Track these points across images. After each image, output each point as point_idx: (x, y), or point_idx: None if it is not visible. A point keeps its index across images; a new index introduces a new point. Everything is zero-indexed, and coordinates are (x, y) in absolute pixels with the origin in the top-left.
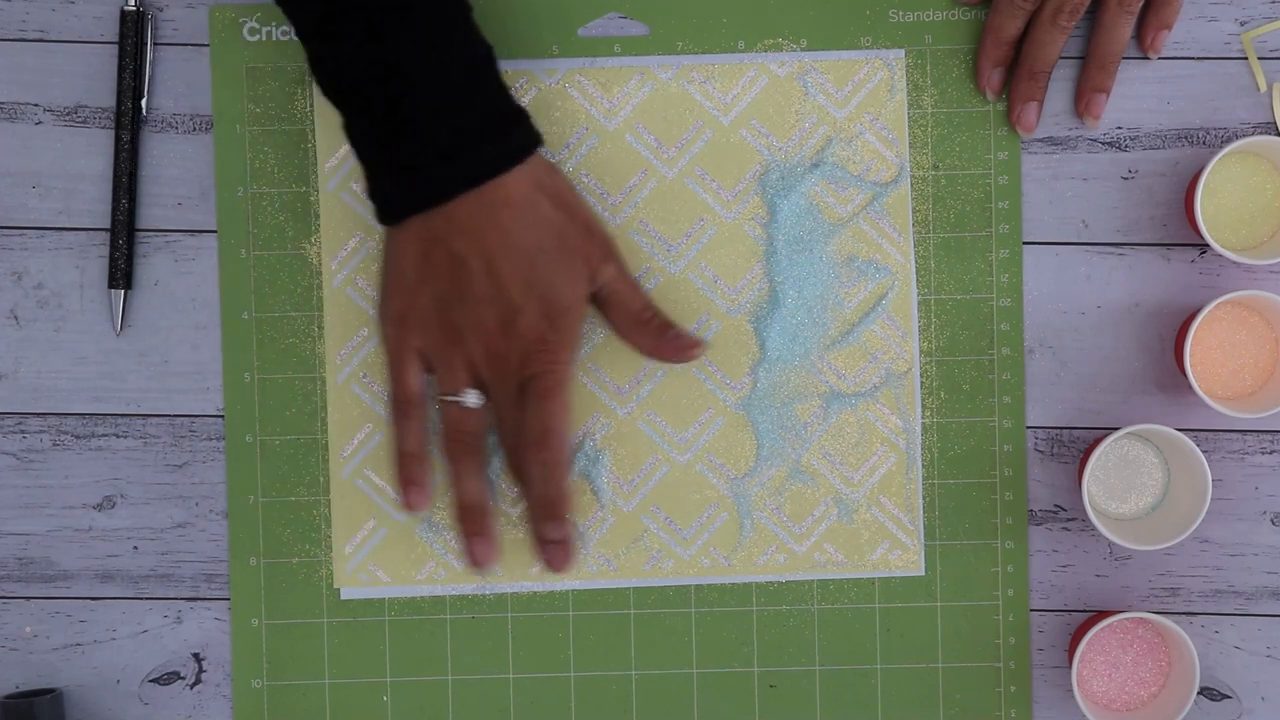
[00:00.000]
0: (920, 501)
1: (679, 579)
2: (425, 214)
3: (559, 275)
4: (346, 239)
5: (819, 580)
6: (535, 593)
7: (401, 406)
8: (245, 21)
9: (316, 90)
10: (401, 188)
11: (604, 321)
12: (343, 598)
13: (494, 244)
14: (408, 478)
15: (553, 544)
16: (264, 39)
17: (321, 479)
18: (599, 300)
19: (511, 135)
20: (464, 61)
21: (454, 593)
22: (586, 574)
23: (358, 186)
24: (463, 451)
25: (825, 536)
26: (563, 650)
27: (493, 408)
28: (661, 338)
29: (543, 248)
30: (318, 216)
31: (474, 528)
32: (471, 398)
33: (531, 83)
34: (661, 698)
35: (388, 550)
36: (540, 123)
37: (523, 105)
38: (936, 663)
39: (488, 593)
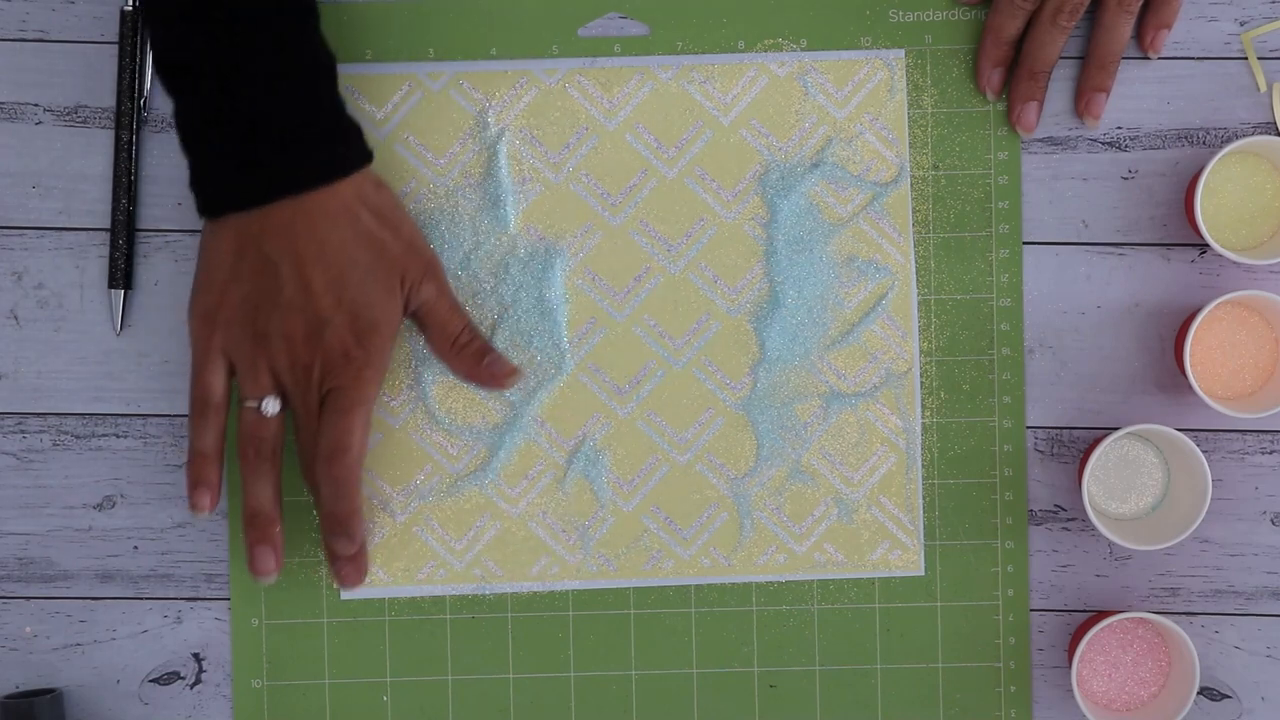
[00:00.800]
0: (920, 501)
1: (679, 579)
2: (244, 213)
3: (371, 290)
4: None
5: (819, 580)
6: (535, 593)
7: (199, 406)
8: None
9: None
10: (223, 183)
11: (425, 342)
12: (343, 598)
13: (307, 252)
14: (196, 478)
15: (342, 559)
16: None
17: None
18: (418, 320)
19: (340, 147)
20: (305, 68)
21: (454, 593)
22: (586, 574)
23: None
24: (256, 457)
25: (825, 536)
26: (563, 650)
27: (293, 416)
28: (478, 363)
29: (356, 261)
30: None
31: (257, 535)
32: (270, 405)
33: (531, 83)
34: (661, 698)
35: (388, 550)
36: (540, 124)
37: (357, 122)
38: (936, 663)
39: (488, 593)
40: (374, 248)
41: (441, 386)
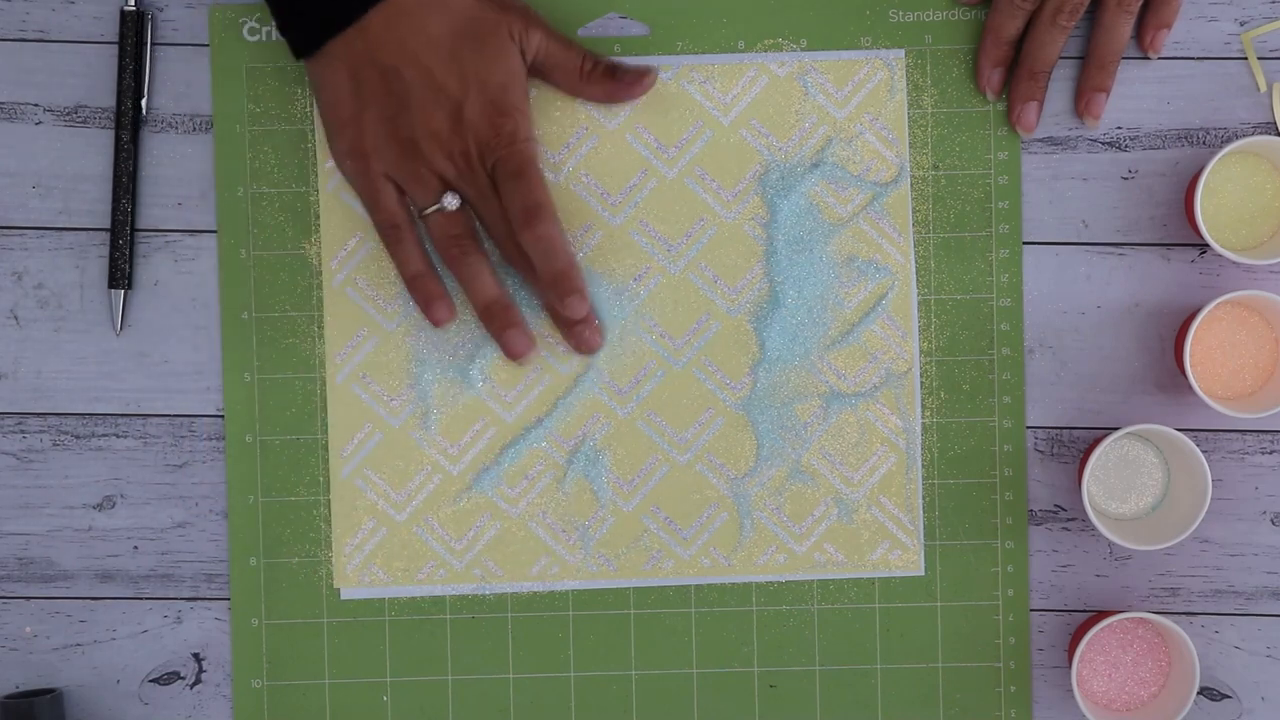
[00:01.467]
0: (920, 501)
1: (679, 579)
2: (342, 37)
3: (487, 56)
4: (346, 239)
5: (819, 580)
6: (535, 593)
7: (390, 232)
8: (245, 21)
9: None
10: (311, 13)
11: (552, 87)
12: (343, 598)
13: (417, 46)
14: (425, 296)
15: (578, 324)
16: (264, 39)
17: (321, 479)
18: (539, 69)
19: None
20: None
21: (454, 593)
22: (586, 574)
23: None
24: (462, 255)
25: (825, 536)
26: (563, 650)
27: (473, 207)
28: (613, 81)
29: (463, 36)
30: (317, 216)
31: (501, 323)
32: (450, 200)
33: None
34: (661, 698)
35: (388, 550)
36: (540, 124)
37: None
38: (936, 663)
39: (488, 593)
40: (473, 18)
41: (442, 384)
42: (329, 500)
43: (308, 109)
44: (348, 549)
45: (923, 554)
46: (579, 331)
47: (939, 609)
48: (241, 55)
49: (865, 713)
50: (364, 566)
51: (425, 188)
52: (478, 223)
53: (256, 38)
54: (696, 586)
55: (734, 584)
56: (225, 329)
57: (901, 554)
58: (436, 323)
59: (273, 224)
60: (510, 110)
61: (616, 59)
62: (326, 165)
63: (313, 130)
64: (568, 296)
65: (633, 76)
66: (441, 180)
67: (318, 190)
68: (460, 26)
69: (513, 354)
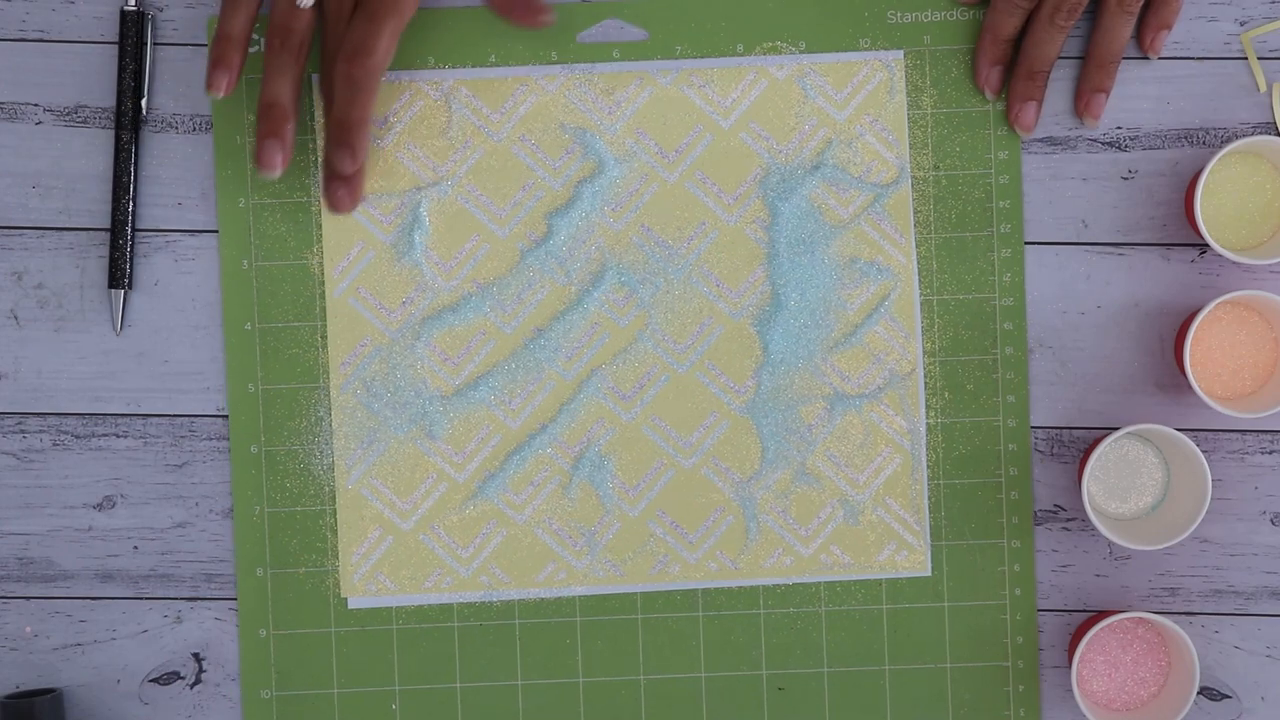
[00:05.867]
0: (926, 502)
1: (686, 583)
2: None
3: None
4: (348, 248)
5: (826, 582)
6: (542, 599)
7: None
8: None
9: (316, 98)
10: None
11: None
12: (350, 607)
13: None
14: (217, 58)
15: (337, 180)
16: (262, 49)
17: (327, 489)
18: None
19: None
20: None
21: (461, 600)
22: (593, 579)
23: None
24: (282, 49)
25: (831, 538)
26: (571, 656)
27: (324, 15)
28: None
29: None
30: (319, 226)
31: (269, 128)
32: None
33: (531, 89)
34: (670, 702)
35: (394, 559)
36: (539, 131)
37: None
38: (944, 663)
39: (495, 600)
40: None
41: (446, 393)
42: (335, 510)
43: (308, 118)
44: (354, 558)
45: (929, 554)
46: (335, 188)
47: (946, 609)
48: (246, 98)
49: (874, 714)
50: (371, 576)
51: None
52: (317, 37)
53: (255, 49)
54: (704, 590)
55: (741, 587)
56: (229, 340)
57: (908, 555)
58: (211, 88)
59: (274, 234)
60: None
61: None
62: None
63: (313, 141)
64: (340, 147)
65: (533, 4)
66: None
67: (319, 200)
68: None
69: (261, 162)
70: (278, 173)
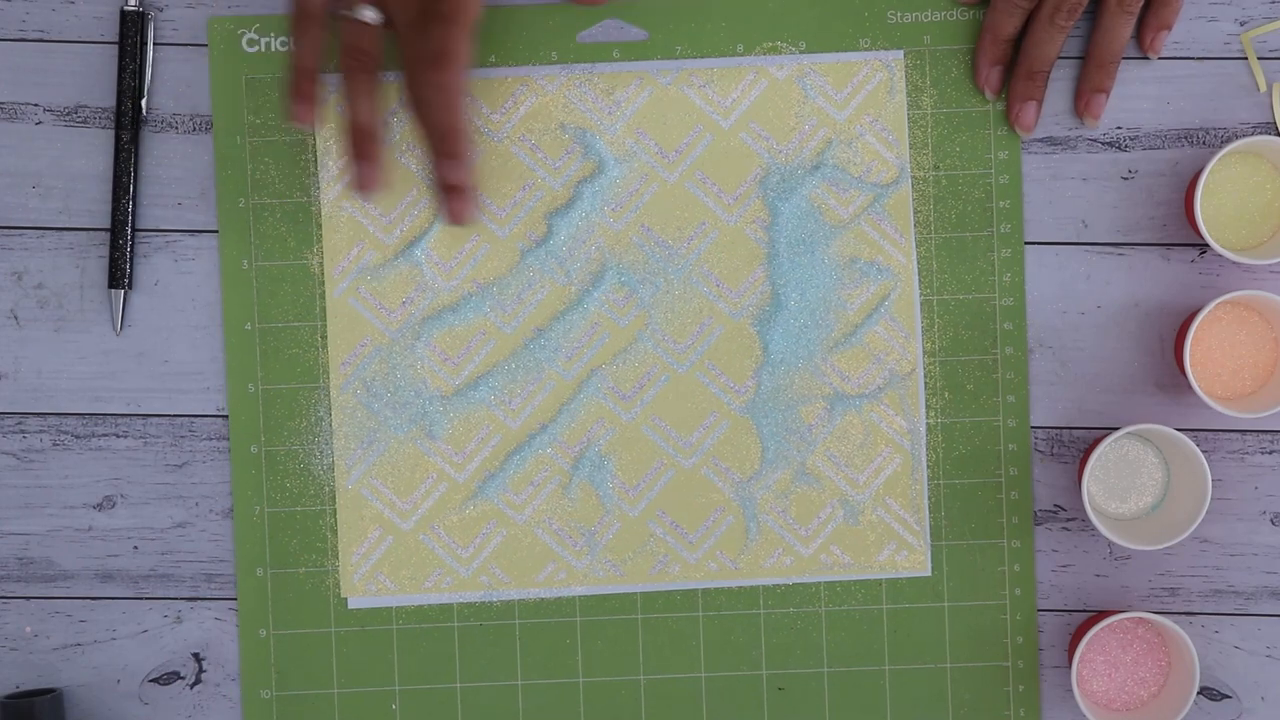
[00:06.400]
0: (926, 502)
1: (686, 583)
2: None
3: None
4: (348, 248)
5: (826, 582)
6: (542, 599)
7: (301, 19)
8: (244, 33)
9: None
10: None
11: None
12: (350, 607)
13: None
14: (297, 91)
15: (453, 190)
16: (262, 49)
17: (327, 489)
18: None
19: None
20: None
21: (461, 600)
22: (594, 579)
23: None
24: (358, 69)
25: (832, 538)
26: (571, 656)
27: (395, 32)
28: None
29: None
30: (319, 226)
31: (363, 151)
32: (369, 13)
33: (531, 89)
34: (670, 702)
35: (394, 559)
36: (539, 131)
37: None
38: (944, 663)
39: (495, 600)
40: None
41: (446, 393)
42: (335, 510)
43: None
44: (354, 558)
45: (929, 554)
46: (452, 199)
47: (946, 609)
48: (241, 66)
49: (874, 714)
50: (371, 575)
51: None
52: (389, 52)
53: (255, 49)
54: (704, 590)
55: (741, 587)
56: (229, 340)
57: (908, 555)
58: (296, 120)
59: (274, 234)
60: None
61: None
62: (328, 174)
63: (313, 140)
64: (448, 158)
65: None
66: None
67: (319, 200)
68: None
69: (360, 185)
70: (378, 193)
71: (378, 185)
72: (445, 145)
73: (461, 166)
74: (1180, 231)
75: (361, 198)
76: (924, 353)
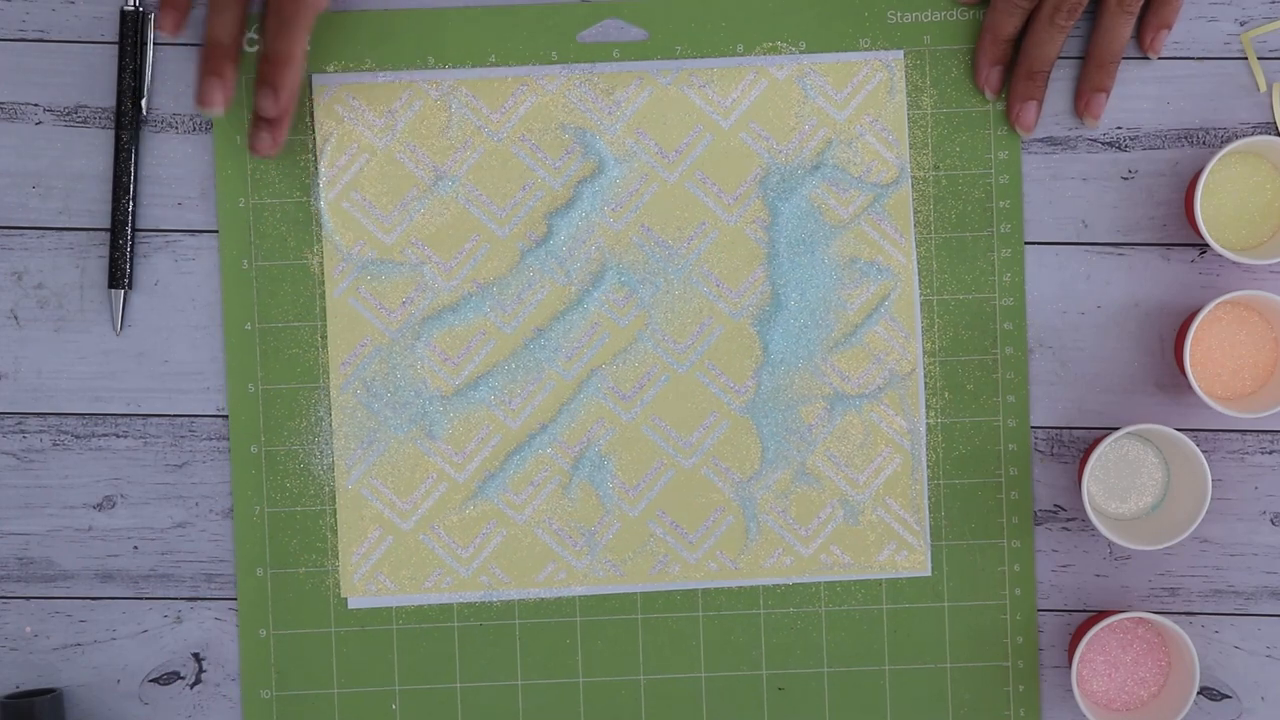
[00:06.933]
0: (926, 502)
1: (686, 583)
2: None
3: None
4: (348, 248)
5: (826, 582)
6: (542, 599)
7: None
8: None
9: (317, 99)
10: None
11: None
12: (350, 607)
13: None
14: (208, 69)
15: (262, 123)
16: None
17: (327, 489)
18: None
19: None
20: None
21: (461, 600)
22: (594, 579)
23: (359, 195)
24: None
25: (832, 538)
26: (571, 656)
27: None
28: None
29: None
30: (319, 226)
31: (211, 66)
32: None
33: (531, 89)
34: (670, 702)
35: (394, 559)
36: (539, 131)
37: None
38: (944, 663)
39: (495, 600)
40: None
41: (446, 392)
42: (335, 510)
43: (308, 119)
44: (354, 558)
45: (929, 554)
46: (256, 130)
47: (946, 609)
48: (240, 66)
49: (874, 714)
50: (371, 576)
51: None
52: None
53: (255, 48)
54: (704, 590)
55: (741, 587)
56: (229, 340)
57: (908, 555)
58: (203, 104)
59: (274, 234)
60: None
61: None
62: (328, 174)
63: (313, 140)
64: (264, 85)
65: None
66: None
67: (319, 200)
68: None
69: (201, 100)
70: (219, 111)
71: (222, 104)
72: (269, 72)
73: (277, 100)
74: (1180, 231)
75: (204, 113)
76: (924, 353)
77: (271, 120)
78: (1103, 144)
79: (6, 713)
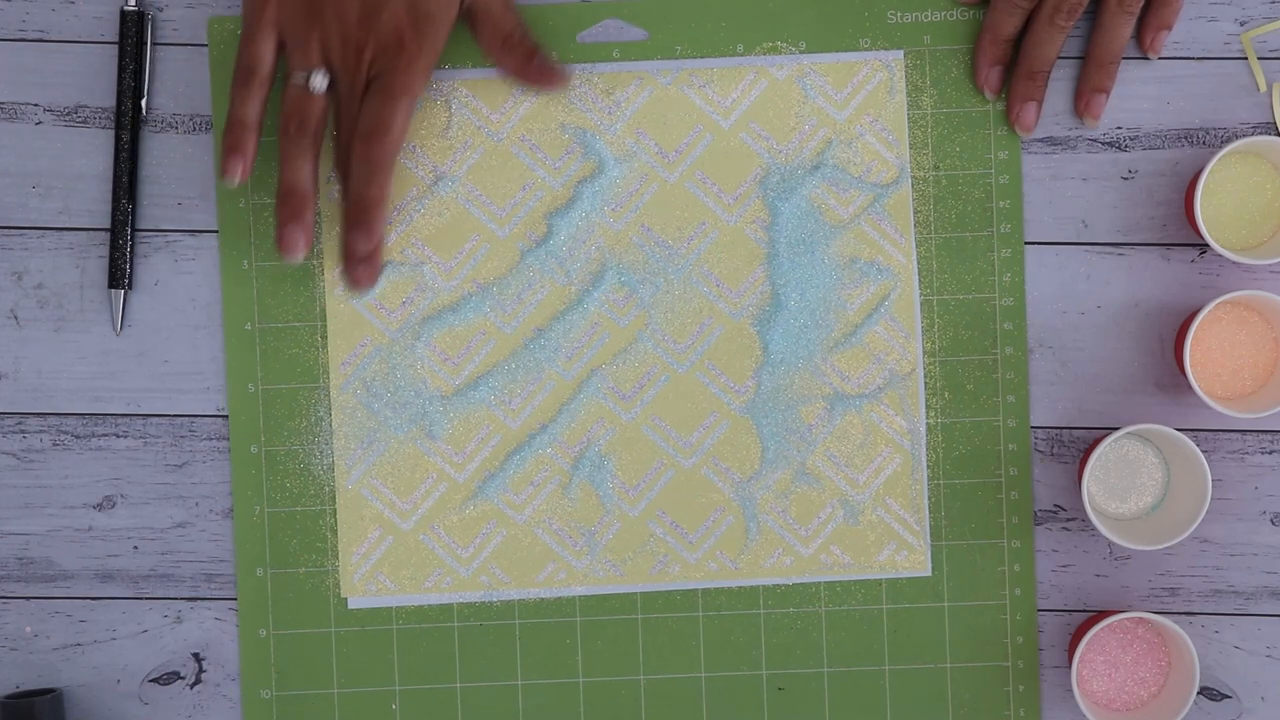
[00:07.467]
0: (926, 502)
1: (686, 583)
2: None
3: None
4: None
5: (826, 582)
6: (542, 599)
7: (244, 75)
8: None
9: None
10: None
11: (473, 38)
12: (350, 607)
13: None
14: (232, 145)
15: (355, 259)
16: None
17: (327, 489)
18: (471, 16)
19: None
20: None
21: (461, 600)
22: (594, 579)
23: None
24: (299, 134)
25: (832, 538)
26: (571, 656)
27: (336, 98)
28: (528, 62)
29: None
30: (319, 226)
31: (290, 213)
32: (318, 80)
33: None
34: (670, 702)
35: (394, 559)
36: (539, 131)
37: None
38: (944, 663)
39: (495, 600)
40: None
41: (446, 392)
42: (335, 510)
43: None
44: (354, 558)
45: (929, 554)
46: (353, 266)
47: (946, 609)
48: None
49: (874, 714)
50: (371, 576)
51: (305, 56)
52: (331, 120)
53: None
54: (704, 590)
55: (741, 587)
56: (229, 340)
57: (908, 555)
58: (226, 174)
59: (274, 235)
60: (423, 37)
61: (540, 47)
62: (329, 174)
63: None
64: (357, 227)
65: (549, 66)
66: (324, 60)
67: (319, 200)
68: None
69: (284, 248)
70: (299, 257)
71: (303, 249)
72: (360, 214)
73: (370, 238)
74: (1180, 231)
75: (285, 260)
76: (924, 353)
77: (368, 255)
78: (1103, 144)
79: (6, 713)
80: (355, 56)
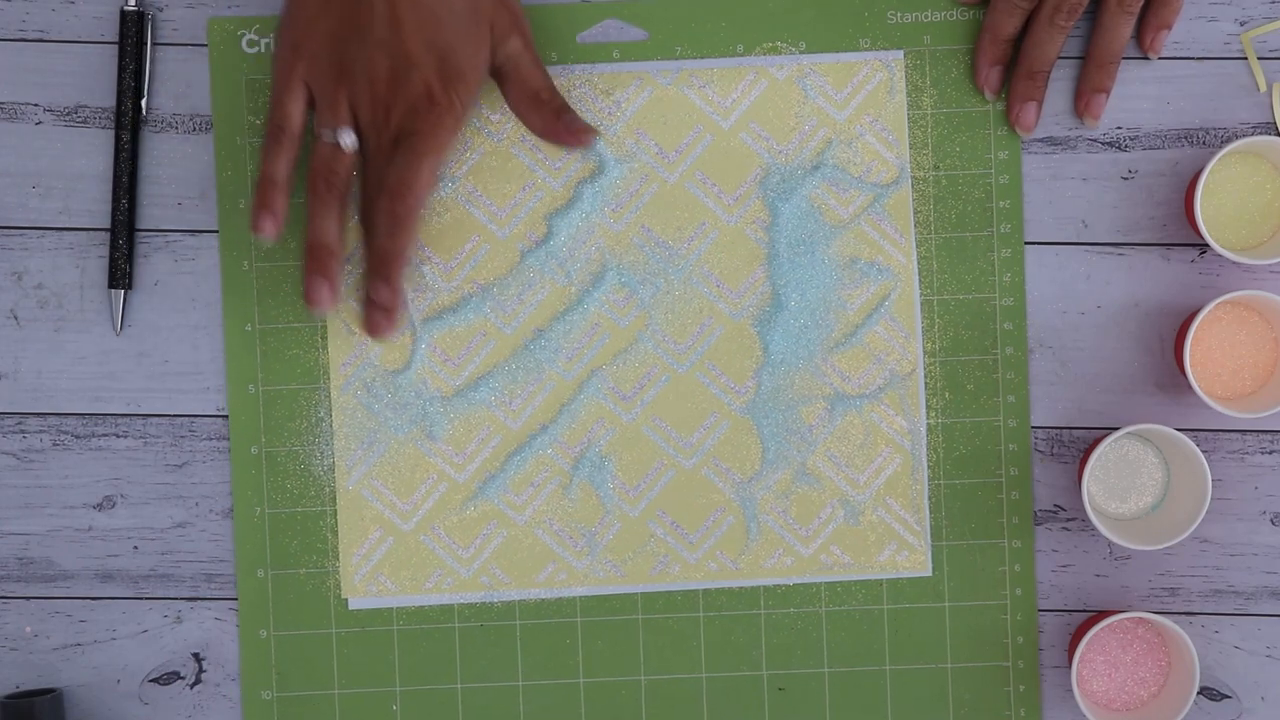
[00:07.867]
0: (926, 502)
1: (686, 583)
2: None
3: (462, 39)
4: (348, 248)
5: (826, 582)
6: (543, 600)
7: (275, 133)
8: (244, 34)
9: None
10: None
11: (503, 96)
12: (351, 608)
13: None
14: (262, 202)
15: (377, 307)
16: (262, 50)
17: (327, 489)
18: (500, 74)
19: None
20: None
21: (462, 601)
22: (594, 580)
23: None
24: (326, 190)
25: (832, 538)
26: (571, 657)
27: (364, 155)
28: (556, 120)
29: (451, 8)
30: None
31: (317, 266)
32: (346, 138)
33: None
34: (671, 702)
35: (395, 560)
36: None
37: None
38: (945, 663)
39: (495, 601)
40: None
41: (446, 393)
42: (335, 511)
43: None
44: (355, 559)
45: (930, 554)
46: (373, 315)
47: (947, 609)
48: (240, 67)
49: (874, 714)
50: (371, 576)
51: (334, 114)
52: (357, 176)
53: (255, 49)
54: (704, 590)
55: (741, 587)
56: (229, 341)
57: (909, 555)
58: (257, 231)
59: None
60: (451, 96)
61: (569, 107)
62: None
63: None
64: (379, 279)
65: (576, 125)
66: (353, 117)
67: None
68: (453, 0)
69: (310, 300)
70: (326, 310)
71: (330, 303)
72: (383, 268)
73: (392, 290)
74: (1180, 231)
75: (311, 310)
76: (924, 353)
77: (388, 306)
78: (1103, 144)
79: (6, 713)
80: (384, 115)
